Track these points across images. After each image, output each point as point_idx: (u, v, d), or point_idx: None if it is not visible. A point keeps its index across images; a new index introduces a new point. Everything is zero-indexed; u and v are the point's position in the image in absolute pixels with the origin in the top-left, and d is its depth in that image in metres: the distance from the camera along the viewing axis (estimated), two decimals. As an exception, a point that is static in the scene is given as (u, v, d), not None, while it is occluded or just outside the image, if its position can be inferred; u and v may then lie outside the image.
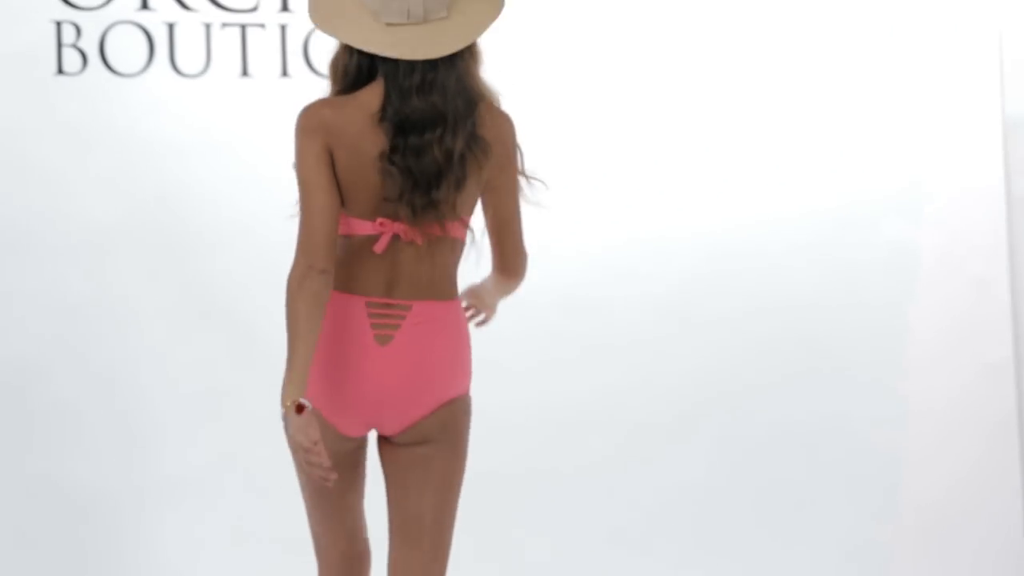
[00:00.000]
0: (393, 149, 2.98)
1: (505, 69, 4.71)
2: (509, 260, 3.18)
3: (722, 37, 4.96)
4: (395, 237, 3.03)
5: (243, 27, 4.74)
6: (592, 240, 4.91)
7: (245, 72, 4.74)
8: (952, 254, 5.07)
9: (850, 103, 5.00)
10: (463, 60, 3.02)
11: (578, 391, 4.93)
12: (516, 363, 4.77)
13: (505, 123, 3.09)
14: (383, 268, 3.05)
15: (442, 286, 3.09)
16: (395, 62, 2.98)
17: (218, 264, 4.76)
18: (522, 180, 3.12)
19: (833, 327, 5.04)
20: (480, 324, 3.36)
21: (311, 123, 3.00)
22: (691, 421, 5.00)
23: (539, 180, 3.14)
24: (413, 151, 2.97)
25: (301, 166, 3.01)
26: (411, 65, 2.97)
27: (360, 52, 3.01)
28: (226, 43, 4.73)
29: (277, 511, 4.28)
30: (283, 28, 4.74)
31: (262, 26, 4.74)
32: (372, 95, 3.01)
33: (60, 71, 4.66)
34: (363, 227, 3.04)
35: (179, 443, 4.78)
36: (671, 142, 4.94)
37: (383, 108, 2.99)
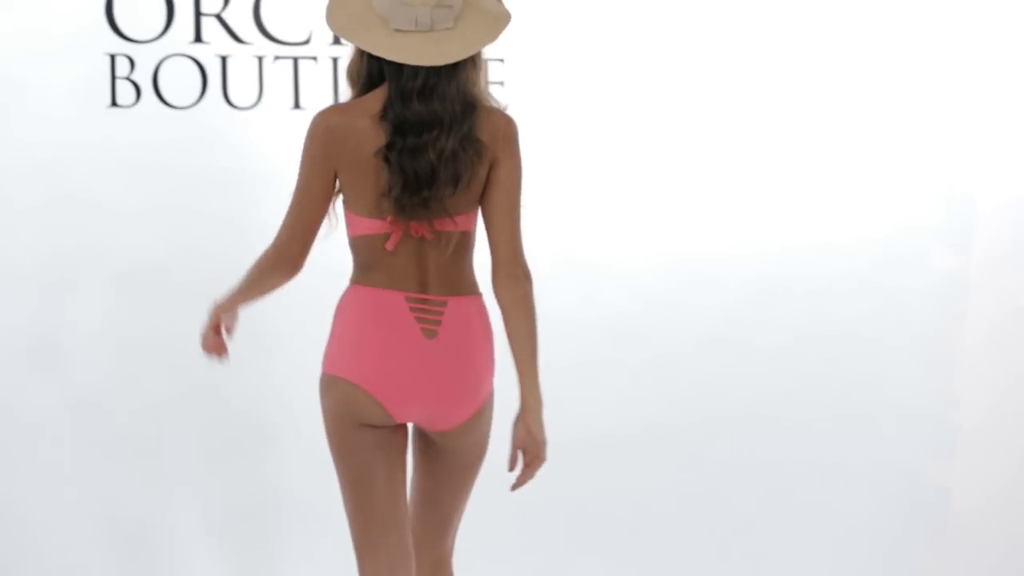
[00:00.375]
0: (390, 146, 3.10)
1: (554, 94, 4.79)
2: (506, 263, 3.18)
3: (771, 67, 4.94)
4: (407, 234, 3.15)
5: (295, 60, 4.76)
6: (637, 266, 4.89)
7: (297, 104, 4.77)
8: (1000, 283, 5.03)
9: (898, 131, 4.96)
10: (465, 69, 3.13)
11: (622, 418, 4.91)
12: (561, 390, 4.72)
13: (503, 123, 3.18)
14: (410, 265, 3.16)
15: (466, 281, 3.21)
16: (400, 66, 3.10)
17: (269, 295, 4.76)
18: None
19: (881, 356, 5.00)
20: (530, 472, 3.22)
21: (317, 130, 3.16)
22: (736, 448, 4.96)
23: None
24: (409, 151, 3.10)
25: (302, 172, 3.19)
26: (415, 70, 3.09)
27: (371, 58, 3.15)
28: (278, 76, 4.77)
29: (331, 542, 4.28)
30: (335, 61, 4.76)
31: (314, 59, 4.77)
32: (377, 98, 3.14)
33: (114, 103, 4.70)
34: (374, 226, 3.16)
35: (234, 476, 4.79)
36: (718, 168, 4.92)
37: (385, 109, 3.11)
